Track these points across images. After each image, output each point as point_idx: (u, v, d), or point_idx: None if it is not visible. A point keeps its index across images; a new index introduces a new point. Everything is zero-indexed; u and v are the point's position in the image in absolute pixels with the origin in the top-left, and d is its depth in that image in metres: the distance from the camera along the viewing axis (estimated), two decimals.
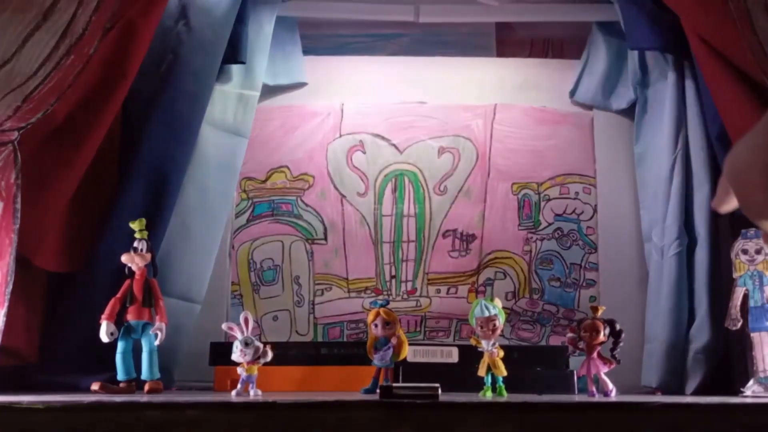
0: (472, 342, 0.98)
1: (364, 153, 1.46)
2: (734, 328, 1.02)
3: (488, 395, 0.94)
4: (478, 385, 0.96)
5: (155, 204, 1.20)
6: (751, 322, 1.00)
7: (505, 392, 0.94)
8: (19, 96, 0.89)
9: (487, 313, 0.94)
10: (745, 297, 1.01)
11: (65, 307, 1.12)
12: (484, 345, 0.95)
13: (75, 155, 1.09)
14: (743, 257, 1.02)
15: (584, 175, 1.46)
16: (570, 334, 1.00)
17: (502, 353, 0.96)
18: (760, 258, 1.01)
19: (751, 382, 0.95)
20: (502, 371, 0.95)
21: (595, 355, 0.97)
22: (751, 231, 1.02)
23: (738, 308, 1.01)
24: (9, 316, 0.93)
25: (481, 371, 0.96)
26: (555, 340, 1.37)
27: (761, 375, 0.96)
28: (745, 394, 0.94)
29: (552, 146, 1.47)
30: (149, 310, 1.01)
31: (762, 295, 0.98)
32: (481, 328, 0.95)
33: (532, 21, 1.54)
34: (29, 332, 1.09)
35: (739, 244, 1.03)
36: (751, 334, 0.99)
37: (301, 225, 1.43)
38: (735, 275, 1.02)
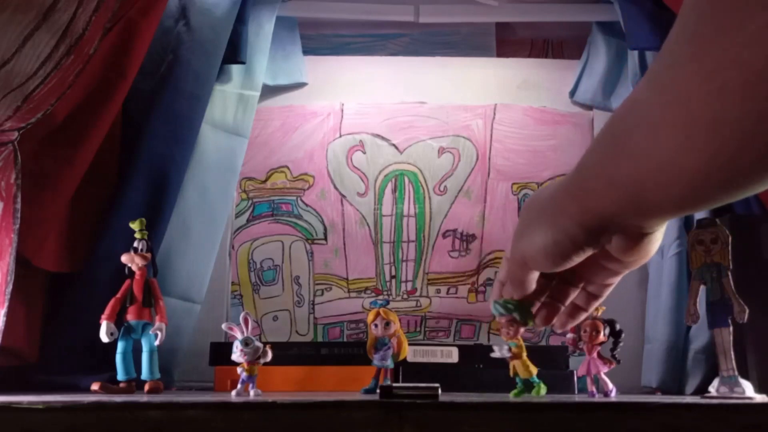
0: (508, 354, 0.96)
1: (364, 153, 1.46)
2: (694, 324, 0.97)
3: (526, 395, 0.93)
4: (478, 385, 0.96)
5: (155, 204, 1.20)
6: (710, 318, 0.92)
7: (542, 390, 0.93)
8: (19, 96, 0.89)
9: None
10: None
11: (65, 307, 1.12)
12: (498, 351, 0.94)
13: (75, 155, 1.09)
14: (699, 248, 0.94)
15: None
16: (570, 334, 0.99)
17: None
18: (716, 248, 0.92)
19: (716, 381, 0.90)
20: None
21: (595, 355, 0.97)
22: (706, 219, 0.95)
23: (696, 303, 0.93)
24: (9, 316, 0.92)
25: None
26: (555, 340, 1.38)
27: (724, 374, 0.89)
28: (711, 395, 0.89)
29: (552, 146, 1.47)
30: (149, 310, 1.01)
31: (721, 289, 0.91)
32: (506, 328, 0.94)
33: (532, 21, 1.54)
34: (29, 332, 1.09)
35: (693, 235, 0.94)
36: (712, 331, 0.92)
37: (301, 225, 1.43)
38: (692, 268, 0.94)
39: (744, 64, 0.24)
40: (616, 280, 0.46)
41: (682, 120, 0.27)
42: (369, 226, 1.43)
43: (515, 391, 0.94)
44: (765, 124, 0.24)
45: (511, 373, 0.94)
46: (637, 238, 0.38)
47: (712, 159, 0.27)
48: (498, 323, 0.93)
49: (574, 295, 0.49)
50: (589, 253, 0.39)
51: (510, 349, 0.95)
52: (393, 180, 1.45)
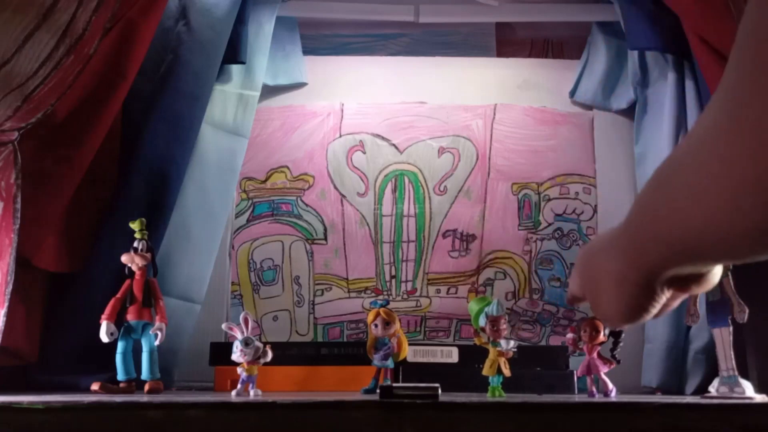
0: (477, 341, 0.96)
1: (364, 153, 1.46)
2: (694, 324, 0.98)
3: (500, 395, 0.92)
4: (478, 385, 0.95)
5: (155, 204, 1.20)
6: (710, 318, 0.93)
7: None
8: (19, 96, 0.89)
9: (502, 311, 0.93)
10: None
11: (65, 307, 1.12)
12: (504, 344, 0.94)
13: (75, 155, 1.09)
14: None
15: (584, 175, 1.46)
16: (570, 334, 1.00)
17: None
18: None
19: (716, 381, 0.91)
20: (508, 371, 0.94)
21: (595, 355, 0.97)
22: None
23: (696, 303, 0.94)
24: (9, 316, 0.93)
25: (491, 371, 0.94)
26: (555, 340, 1.37)
27: (724, 374, 0.90)
28: (711, 395, 0.90)
29: (552, 146, 1.47)
30: (149, 310, 1.01)
31: (721, 289, 0.91)
32: (492, 326, 0.94)
33: (532, 21, 1.54)
34: (29, 332, 1.09)
35: None
36: (712, 331, 0.93)
37: (301, 225, 1.43)
38: None
39: None
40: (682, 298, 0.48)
41: (728, 184, 0.27)
42: (369, 226, 1.43)
43: (495, 388, 0.93)
44: None
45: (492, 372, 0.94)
46: (696, 278, 0.40)
47: (762, 221, 0.26)
48: (491, 320, 0.92)
49: None
50: (663, 301, 0.41)
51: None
52: (393, 180, 1.45)
